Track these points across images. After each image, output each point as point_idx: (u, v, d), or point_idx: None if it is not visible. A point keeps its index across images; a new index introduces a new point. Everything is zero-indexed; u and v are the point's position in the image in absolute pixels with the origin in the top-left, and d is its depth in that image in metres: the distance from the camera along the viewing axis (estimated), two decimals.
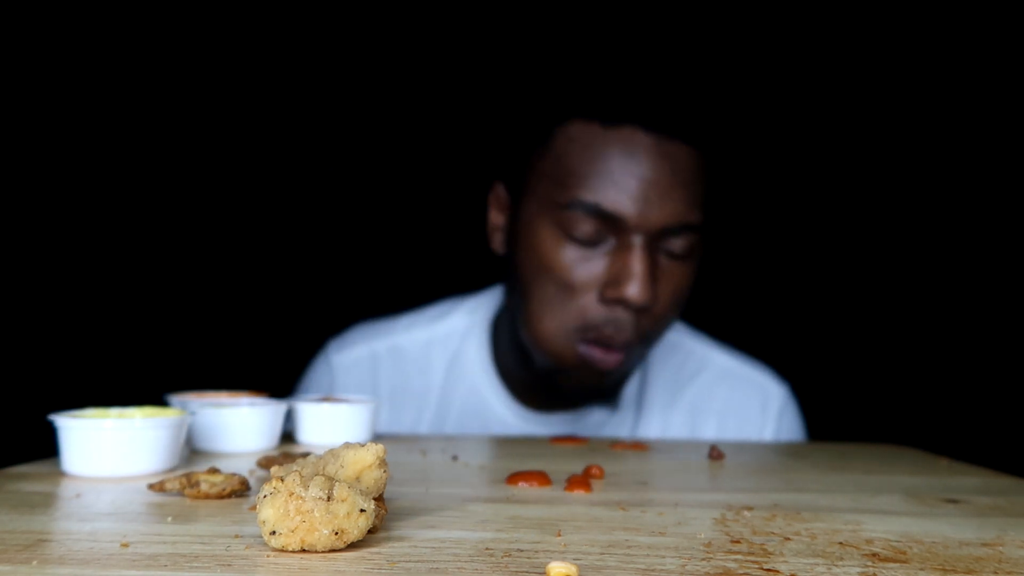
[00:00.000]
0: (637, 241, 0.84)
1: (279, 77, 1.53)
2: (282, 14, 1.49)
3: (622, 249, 0.85)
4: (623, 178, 0.83)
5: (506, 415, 1.01)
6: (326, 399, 0.80)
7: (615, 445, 0.82)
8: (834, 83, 1.49)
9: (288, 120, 1.55)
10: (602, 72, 0.89)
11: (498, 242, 0.98)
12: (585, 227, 0.85)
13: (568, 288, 0.86)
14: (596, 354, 0.88)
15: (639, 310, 0.85)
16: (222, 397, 0.77)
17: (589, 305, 0.87)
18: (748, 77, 1.42)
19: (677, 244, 0.86)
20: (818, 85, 1.48)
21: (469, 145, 1.52)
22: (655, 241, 0.85)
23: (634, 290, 0.83)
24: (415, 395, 1.05)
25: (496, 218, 0.98)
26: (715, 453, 0.75)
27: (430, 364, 1.05)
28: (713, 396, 1.05)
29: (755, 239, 1.54)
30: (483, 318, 1.06)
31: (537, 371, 0.95)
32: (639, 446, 0.82)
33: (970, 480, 0.66)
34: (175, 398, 0.74)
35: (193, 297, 1.51)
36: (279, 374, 1.24)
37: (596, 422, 1.02)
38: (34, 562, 0.34)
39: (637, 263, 0.84)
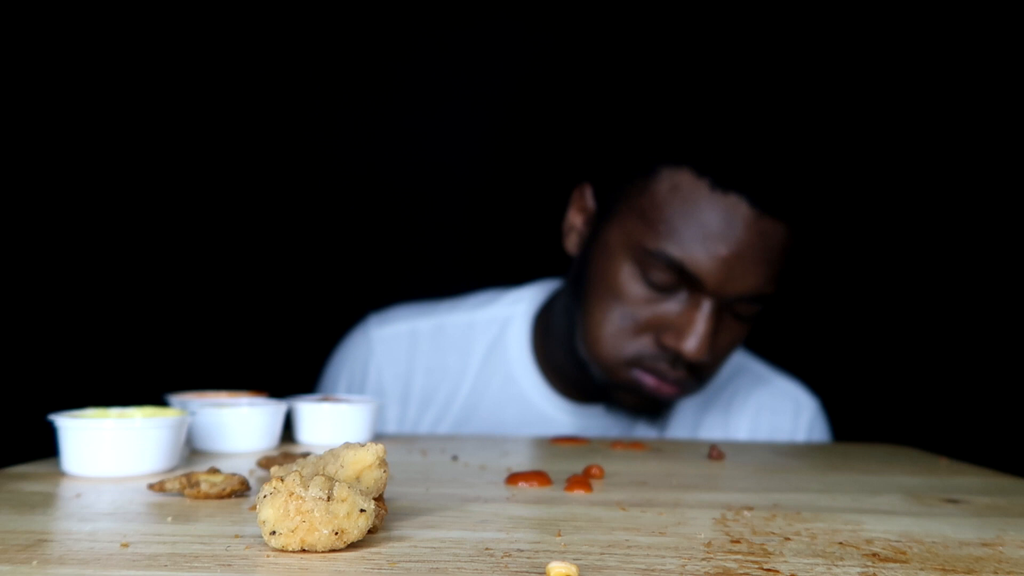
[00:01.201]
0: (708, 303, 0.86)
1: (287, 70, 1.53)
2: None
3: (692, 305, 0.87)
4: (714, 244, 0.84)
5: (542, 403, 1.03)
6: (326, 399, 0.81)
7: (615, 445, 0.82)
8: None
9: (274, 128, 1.56)
10: (729, 134, 0.88)
11: (572, 244, 0.99)
12: (663, 276, 0.86)
13: (631, 322, 0.89)
14: (649, 381, 0.90)
15: (691, 365, 0.88)
16: (222, 397, 0.77)
17: (647, 344, 0.89)
18: (854, 168, 1.45)
19: (745, 308, 0.88)
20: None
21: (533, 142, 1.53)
22: (726, 305, 0.87)
23: (692, 346, 0.86)
24: (451, 374, 1.06)
25: (575, 219, 0.99)
26: (715, 453, 0.75)
27: (470, 346, 1.07)
28: (748, 399, 1.08)
29: None
30: (527, 309, 1.08)
31: (591, 379, 0.96)
32: (639, 446, 0.82)
33: (970, 480, 0.66)
34: (175, 398, 0.74)
35: (193, 297, 1.51)
36: (279, 374, 1.24)
37: (630, 418, 1.03)
38: (34, 562, 0.34)
39: (702, 323, 0.86)
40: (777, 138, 0.89)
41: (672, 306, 0.88)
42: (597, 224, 0.94)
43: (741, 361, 1.10)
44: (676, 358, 0.88)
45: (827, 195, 0.96)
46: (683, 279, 0.86)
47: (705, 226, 0.84)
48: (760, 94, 1.31)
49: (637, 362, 0.90)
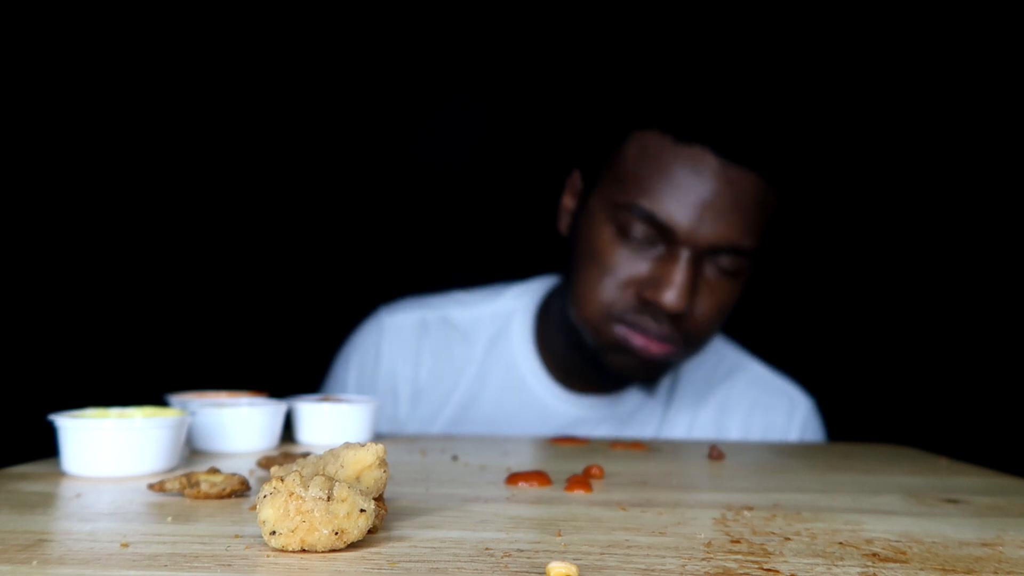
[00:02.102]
0: (684, 253, 0.88)
1: (288, 68, 1.53)
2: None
3: (669, 257, 0.89)
4: (682, 193, 0.87)
5: (542, 393, 1.06)
6: (326, 399, 0.81)
7: (615, 445, 0.82)
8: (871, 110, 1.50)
9: (275, 126, 1.56)
10: (684, 89, 0.93)
11: (564, 225, 1.02)
12: (638, 230, 0.89)
13: (612, 280, 0.91)
14: (637, 341, 0.92)
15: (673, 317, 0.89)
16: (222, 397, 0.77)
17: (628, 300, 0.91)
18: (824, 117, 1.44)
19: (726, 262, 0.90)
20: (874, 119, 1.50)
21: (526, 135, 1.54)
22: (703, 256, 0.89)
23: (670, 297, 0.88)
24: (456, 363, 1.10)
25: (568, 203, 1.03)
26: (715, 453, 0.75)
27: (474, 337, 1.11)
28: (742, 397, 1.10)
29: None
30: (530, 302, 1.11)
31: (585, 351, 0.98)
32: (639, 446, 0.82)
33: (970, 480, 0.66)
34: (175, 398, 0.74)
35: (193, 297, 1.51)
36: (279, 374, 1.24)
37: (628, 410, 1.06)
38: (34, 562, 0.34)
39: (679, 273, 0.88)
40: (736, 88, 0.94)
41: (650, 263, 0.90)
42: (582, 200, 0.98)
43: (737, 359, 1.12)
44: (658, 312, 0.90)
45: (798, 146, 0.96)
46: (658, 231, 0.89)
47: (673, 177, 0.88)
48: (720, 49, 1.32)
49: (621, 319, 0.92)
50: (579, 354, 1.00)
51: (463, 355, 1.10)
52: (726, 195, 0.87)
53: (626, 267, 0.91)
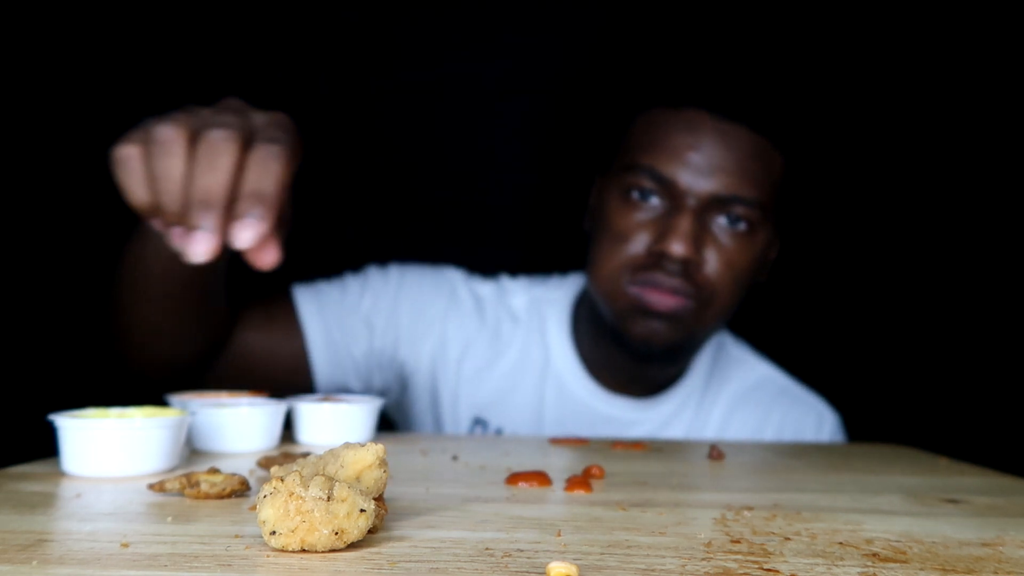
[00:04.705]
0: (689, 203, 0.92)
1: (288, 65, 1.53)
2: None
3: (673, 211, 0.93)
4: (680, 149, 0.93)
5: (578, 389, 1.07)
6: (326, 399, 0.81)
7: (615, 445, 0.82)
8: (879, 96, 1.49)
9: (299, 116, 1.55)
10: (674, 62, 1.02)
11: (588, 221, 1.06)
12: (644, 188, 0.94)
13: (622, 239, 0.95)
14: (651, 296, 0.94)
15: (685, 267, 0.93)
16: (222, 397, 0.77)
17: (638, 256, 0.95)
18: (818, 70, 1.43)
19: (733, 214, 0.93)
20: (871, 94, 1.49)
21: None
22: (708, 209, 0.93)
23: (676, 246, 0.91)
24: (499, 345, 1.10)
25: (592, 202, 1.07)
26: (715, 453, 0.75)
27: (515, 324, 1.12)
28: (772, 410, 1.11)
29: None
30: (568, 293, 1.13)
31: (607, 328, 1.00)
32: (639, 446, 0.82)
33: (970, 480, 0.66)
34: (175, 398, 0.74)
35: None
36: None
37: (662, 414, 1.07)
38: (34, 562, 0.34)
39: (684, 222, 0.92)
40: (725, 50, 1.02)
41: (657, 220, 0.94)
42: (599, 190, 1.03)
43: (766, 372, 1.14)
44: (669, 265, 0.93)
45: (792, 102, 1.01)
46: (660, 187, 0.94)
47: (672, 137, 0.94)
48: (708, 13, 1.35)
49: (634, 279, 0.95)
50: (605, 339, 1.02)
51: (508, 336, 1.11)
52: (722, 147, 0.92)
53: (635, 229, 0.95)
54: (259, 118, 0.65)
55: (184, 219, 0.60)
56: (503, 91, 1.54)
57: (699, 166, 0.92)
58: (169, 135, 0.60)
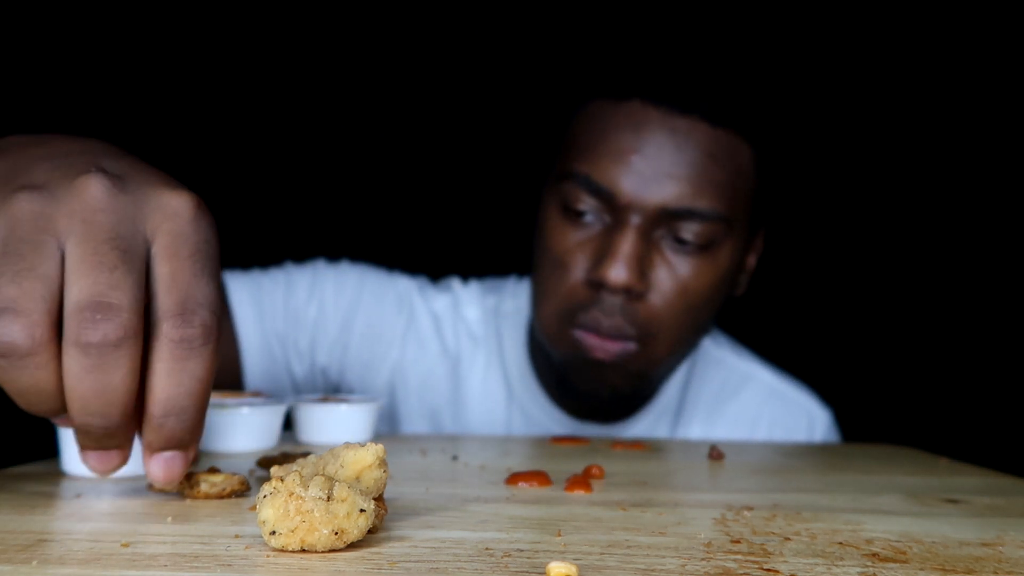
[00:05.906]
0: (632, 220, 0.78)
1: (282, 78, 1.53)
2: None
3: (614, 229, 0.79)
4: (622, 152, 0.78)
5: (542, 418, 0.98)
6: (326, 399, 0.81)
7: (615, 445, 0.82)
8: (857, 88, 1.48)
9: (273, 124, 1.56)
10: (611, 49, 0.88)
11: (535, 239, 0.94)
12: (579, 202, 0.80)
13: (560, 267, 0.82)
14: (590, 342, 0.81)
15: (629, 296, 0.79)
16: (222, 397, 0.77)
17: (576, 286, 0.81)
18: (773, 53, 1.36)
19: (688, 232, 0.78)
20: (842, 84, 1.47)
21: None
22: (657, 224, 0.79)
23: (613, 272, 0.77)
24: (454, 365, 1.01)
25: (539, 215, 0.96)
26: (715, 453, 0.75)
27: (480, 339, 1.01)
28: (760, 413, 1.02)
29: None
30: (521, 306, 1.01)
31: (557, 371, 0.89)
32: (639, 446, 0.82)
33: (970, 480, 0.66)
34: None
35: None
36: None
37: (633, 436, 0.98)
38: (34, 562, 0.34)
39: (623, 243, 0.77)
40: (659, 34, 0.89)
41: (596, 240, 0.80)
42: (543, 202, 0.89)
43: (748, 369, 1.04)
44: (608, 301, 0.79)
45: (753, 89, 0.83)
46: (600, 200, 0.79)
47: (612, 138, 0.78)
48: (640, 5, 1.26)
49: (573, 317, 0.82)
50: (555, 377, 0.90)
51: (469, 362, 1.00)
52: (670, 148, 0.77)
53: (570, 248, 0.81)
54: (160, 228, 0.40)
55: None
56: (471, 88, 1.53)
57: (644, 173, 0.77)
58: (17, 338, 0.35)
